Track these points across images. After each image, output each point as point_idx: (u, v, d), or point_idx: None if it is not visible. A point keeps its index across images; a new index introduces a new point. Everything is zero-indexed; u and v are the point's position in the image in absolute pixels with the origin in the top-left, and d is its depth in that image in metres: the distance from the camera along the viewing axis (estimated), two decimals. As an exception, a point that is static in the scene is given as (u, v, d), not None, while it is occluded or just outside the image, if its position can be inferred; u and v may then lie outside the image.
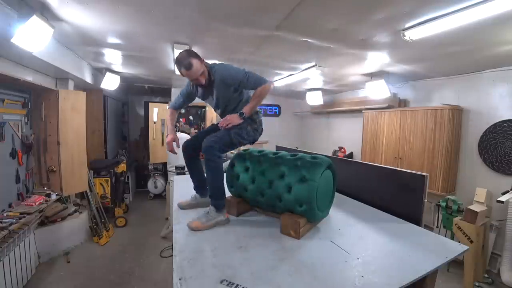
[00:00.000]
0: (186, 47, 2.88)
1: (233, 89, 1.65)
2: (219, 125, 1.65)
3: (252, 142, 1.79)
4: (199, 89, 1.75)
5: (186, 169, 4.23)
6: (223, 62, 1.66)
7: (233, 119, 1.62)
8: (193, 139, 1.81)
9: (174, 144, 1.84)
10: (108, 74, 4.16)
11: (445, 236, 2.27)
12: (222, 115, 1.77)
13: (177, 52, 2.94)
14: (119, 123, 6.86)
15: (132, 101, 7.59)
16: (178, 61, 1.53)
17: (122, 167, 5.03)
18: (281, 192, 1.53)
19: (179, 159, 4.34)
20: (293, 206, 1.49)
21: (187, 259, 1.17)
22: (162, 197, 5.71)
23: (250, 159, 1.74)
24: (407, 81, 4.29)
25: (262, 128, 1.81)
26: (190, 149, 1.78)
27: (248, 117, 1.68)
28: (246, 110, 1.62)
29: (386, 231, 1.53)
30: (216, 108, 1.79)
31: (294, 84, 4.98)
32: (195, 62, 1.50)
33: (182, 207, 1.81)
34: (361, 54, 2.99)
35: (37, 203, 2.93)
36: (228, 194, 1.83)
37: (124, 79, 4.93)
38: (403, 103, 4.43)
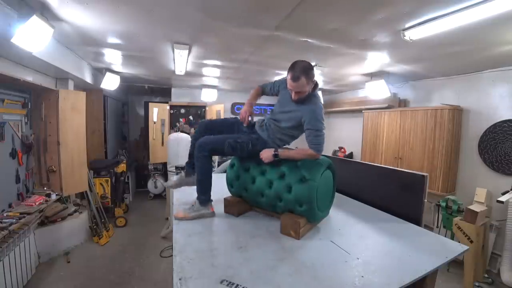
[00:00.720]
0: (186, 47, 2.88)
1: (297, 125, 1.62)
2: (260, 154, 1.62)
3: (245, 156, 1.75)
4: (282, 91, 1.72)
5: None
6: (320, 105, 1.58)
7: (267, 156, 1.58)
8: (208, 124, 1.82)
9: (246, 116, 1.78)
10: (108, 74, 4.15)
11: (445, 236, 2.27)
12: (272, 122, 1.71)
13: (177, 51, 2.95)
14: (119, 123, 6.85)
15: (132, 101, 7.58)
16: (293, 66, 1.51)
17: (122, 167, 5.03)
18: (281, 192, 1.53)
19: (179, 159, 4.36)
20: (293, 206, 1.49)
21: (187, 259, 1.17)
22: (162, 197, 5.71)
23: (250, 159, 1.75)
24: (407, 81, 4.29)
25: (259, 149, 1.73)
26: (204, 129, 1.80)
27: (257, 137, 1.70)
28: (282, 153, 1.57)
29: (386, 231, 1.53)
30: (275, 115, 1.71)
31: (294, 84, 4.97)
32: (303, 79, 1.48)
33: (170, 186, 1.92)
34: (361, 54, 2.99)
35: (37, 203, 2.93)
36: (228, 194, 1.84)
37: (124, 79, 4.93)
38: (403, 103, 4.43)
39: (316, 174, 1.47)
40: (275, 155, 1.56)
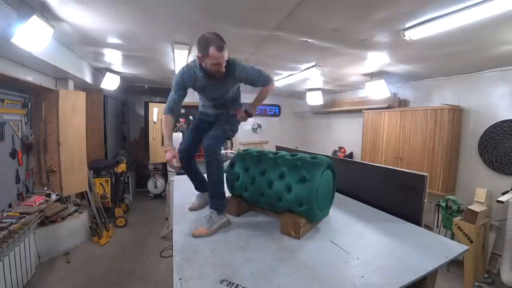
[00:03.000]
0: (186, 47, 2.88)
1: (238, 86, 1.71)
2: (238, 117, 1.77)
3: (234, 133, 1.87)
4: (199, 78, 1.53)
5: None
6: (234, 58, 1.52)
7: (242, 116, 1.76)
8: (187, 146, 1.74)
9: (175, 160, 1.57)
10: (108, 74, 4.15)
11: (445, 236, 2.27)
12: (215, 106, 1.76)
13: (177, 51, 2.95)
14: (119, 123, 6.86)
15: (132, 101, 7.58)
16: (209, 40, 1.35)
17: (122, 167, 5.03)
18: (281, 192, 1.53)
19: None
20: (293, 206, 1.49)
21: (187, 259, 1.17)
22: (162, 197, 5.71)
23: (250, 159, 1.75)
24: (407, 81, 4.29)
25: None
26: (186, 157, 1.74)
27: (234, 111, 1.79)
28: (253, 109, 1.76)
29: (386, 231, 1.53)
30: (213, 99, 1.71)
31: (294, 84, 4.97)
32: (225, 46, 1.38)
33: (193, 209, 1.76)
34: (361, 54, 2.99)
35: (37, 203, 2.93)
36: (228, 194, 1.83)
37: (124, 79, 4.92)
38: (403, 103, 4.43)
39: (316, 174, 1.47)
40: (249, 115, 1.74)
